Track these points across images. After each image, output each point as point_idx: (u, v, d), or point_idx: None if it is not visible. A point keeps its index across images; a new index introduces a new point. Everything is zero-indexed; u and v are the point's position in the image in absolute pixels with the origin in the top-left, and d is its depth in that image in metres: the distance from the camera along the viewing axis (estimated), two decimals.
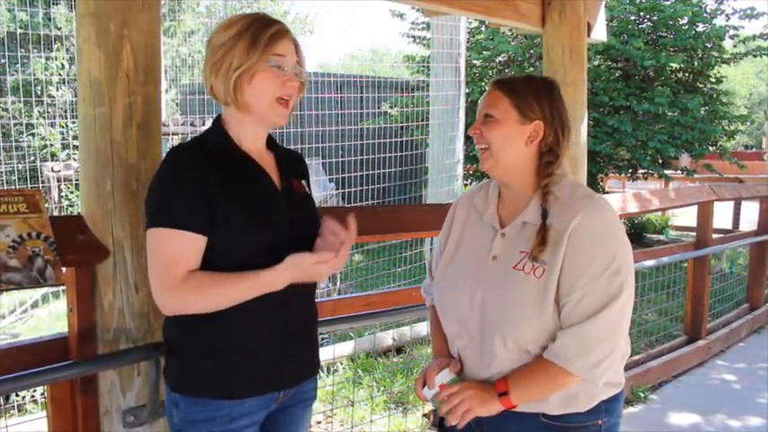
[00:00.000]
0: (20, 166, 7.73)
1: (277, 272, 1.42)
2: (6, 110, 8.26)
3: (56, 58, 9.17)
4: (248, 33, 1.44)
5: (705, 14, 9.62)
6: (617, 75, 9.53)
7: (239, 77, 1.44)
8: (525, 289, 1.41)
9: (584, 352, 1.37)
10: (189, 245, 1.41)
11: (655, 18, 9.46)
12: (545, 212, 1.44)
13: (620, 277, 1.39)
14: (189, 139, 1.57)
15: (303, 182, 1.64)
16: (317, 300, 1.72)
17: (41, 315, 6.23)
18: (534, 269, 1.41)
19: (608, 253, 1.39)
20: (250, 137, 1.54)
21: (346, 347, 4.66)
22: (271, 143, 1.61)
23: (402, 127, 8.87)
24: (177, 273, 1.40)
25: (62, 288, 1.84)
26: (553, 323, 1.41)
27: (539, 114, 1.48)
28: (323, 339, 4.89)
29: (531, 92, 1.49)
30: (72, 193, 8.06)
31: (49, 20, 9.37)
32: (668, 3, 9.50)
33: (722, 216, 7.92)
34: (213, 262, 1.43)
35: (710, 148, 9.92)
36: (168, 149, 1.51)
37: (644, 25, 9.65)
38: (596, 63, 9.37)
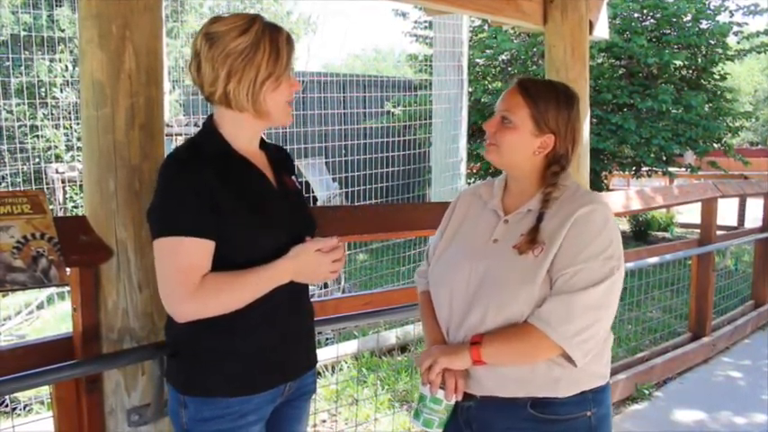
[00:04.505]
0: (25, 167, 7.76)
1: (285, 262, 1.47)
2: (11, 112, 8.28)
3: (60, 60, 9.19)
4: (266, 39, 1.45)
5: (708, 11, 9.60)
6: (620, 72, 9.52)
7: (267, 88, 1.46)
8: (522, 264, 1.48)
9: (567, 319, 1.43)
10: (201, 251, 1.41)
11: (658, 15, 9.44)
12: (540, 216, 1.52)
13: (613, 261, 1.47)
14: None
15: (293, 177, 1.67)
16: (320, 299, 1.75)
17: (47, 316, 6.25)
18: (533, 249, 1.49)
19: (604, 240, 1.48)
20: (247, 138, 1.55)
21: (350, 346, 4.67)
22: (261, 142, 1.62)
23: (405, 126, 8.88)
24: (194, 279, 1.40)
25: (67, 289, 1.85)
26: (540, 295, 1.46)
27: (553, 128, 1.55)
28: (327, 339, 4.90)
29: (552, 106, 1.55)
30: (77, 194, 8.09)
31: (53, 22, 9.39)
32: (671, 0, 9.48)
33: (728, 213, 7.90)
34: (219, 266, 1.44)
35: (715, 145, 9.90)
36: (168, 153, 1.52)
37: (647, 23, 9.64)
38: (599, 61, 9.36)
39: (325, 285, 5.71)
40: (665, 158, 9.47)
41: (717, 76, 9.92)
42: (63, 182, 7.84)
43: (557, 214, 1.51)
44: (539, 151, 1.56)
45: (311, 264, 1.49)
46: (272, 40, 1.46)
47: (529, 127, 1.54)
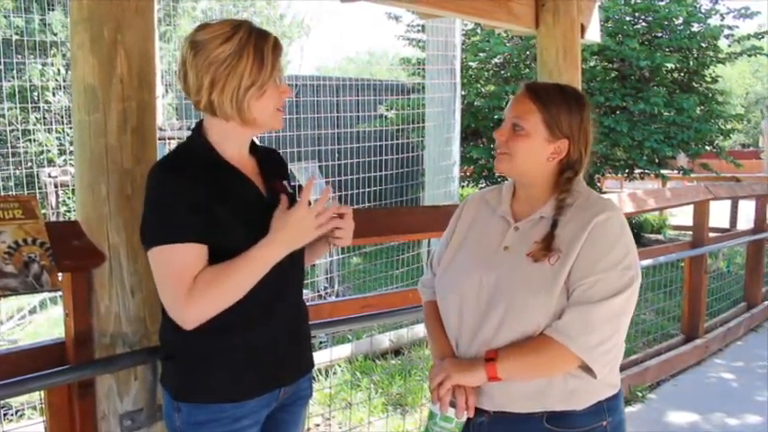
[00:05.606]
0: (17, 172, 7.71)
1: (270, 237, 1.43)
2: (3, 116, 8.25)
3: (52, 64, 9.16)
4: (250, 47, 1.42)
5: (700, 14, 9.64)
6: (613, 75, 9.54)
7: (251, 96, 1.44)
8: (538, 272, 1.44)
9: (587, 330, 1.40)
10: (194, 255, 1.40)
11: (650, 18, 9.47)
12: (555, 223, 1.48)
13: (631, 271, 1.44)
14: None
15: (285, 182, 1.64)
16: (314, 303, 1.74)
17: (40, 321, 6.22)
18: (549, 256, 1.45)
19: (622, 249, 1.45)
20: (235, 145, 1.53)
21: (344, 350, 4.66)
22: (252, 146, 1.59)
23: (399, 129, 8.88)
24: (188, 282, 1.39)
25: (60, 294, 1.84)
26: (557, 305, 1.42)
27: (566, 132, 1.51)
28: (321, 342, 4.89)
29: (564, 110, 1.51)
30: (70, 198, 8.05)
31: (45, 25, 9.36)
32: (663, 3, 9.52)
33: (720, 214, 7.94)
34: None
35: (707, 147, 9.94)
36: (158, 159, 1.51)
37: (639, 26, 9.67)
38: (592, 64, 9.38)
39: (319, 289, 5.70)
40: (657, 161, 9.50)
41: (708, 79, 9.95)
42: (56, 186, 7.80)
43: (571, 221, 1.47)
44: (552, 157, 1.52)
45: (296, 229, 1.44)
46: (256, 48, 1.43)
47: (542, 133, 1.50)
